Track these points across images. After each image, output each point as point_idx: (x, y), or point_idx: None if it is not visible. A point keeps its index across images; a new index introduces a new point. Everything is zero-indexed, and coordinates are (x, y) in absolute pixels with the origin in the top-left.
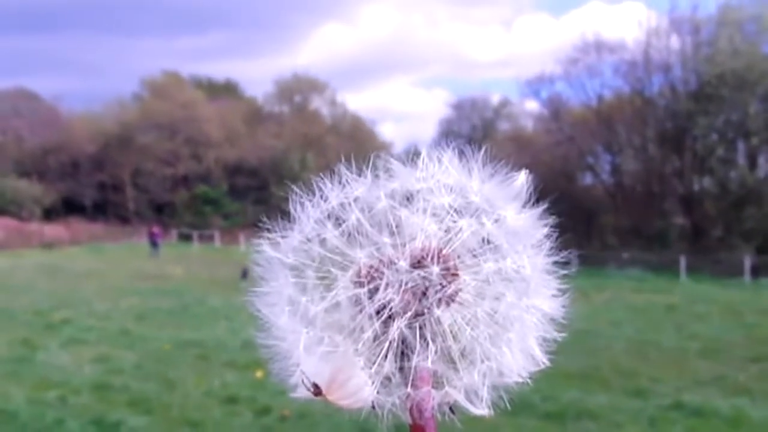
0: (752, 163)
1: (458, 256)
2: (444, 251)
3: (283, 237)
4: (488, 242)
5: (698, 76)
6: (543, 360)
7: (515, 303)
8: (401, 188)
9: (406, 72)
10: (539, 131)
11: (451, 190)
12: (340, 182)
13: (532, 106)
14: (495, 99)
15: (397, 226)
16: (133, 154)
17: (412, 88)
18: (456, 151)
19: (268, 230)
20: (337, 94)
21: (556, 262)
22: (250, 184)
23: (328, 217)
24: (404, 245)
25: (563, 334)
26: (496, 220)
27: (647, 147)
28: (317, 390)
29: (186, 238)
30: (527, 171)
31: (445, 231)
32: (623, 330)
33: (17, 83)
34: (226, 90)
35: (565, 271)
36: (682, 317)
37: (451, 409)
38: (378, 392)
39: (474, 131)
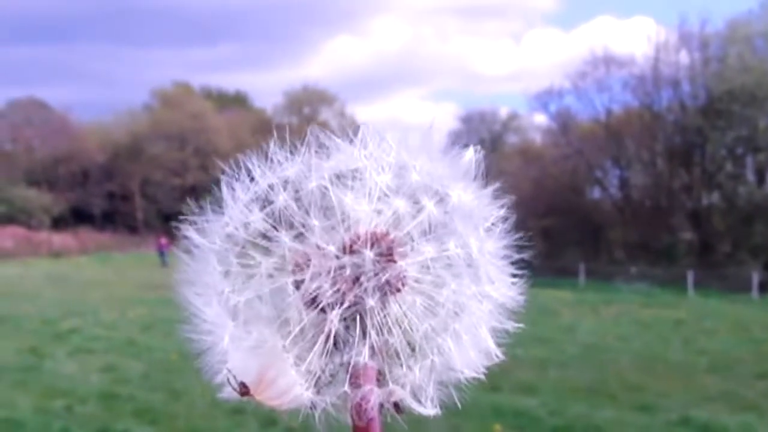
0: (761, 179)
1: (395, 240)
2: (379, 235)
3: (209, 222)
4: (431, 224)
5: (707, 91)
6: (497, 353)
7: (461, 291)
8: (337, 167)
9: (416, 85)
10: (548, 145)
11: (390, 169)
12: (271, 162)
13: (541, 119)
14: (504, 112)
15: (328, 208)
16: (143, 164)
17: (421, 101)
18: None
19: (196, 215)
20: (346, 106)
21: (511, 246)
22: None
23: (257, 200)
24: (335, 229)
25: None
26: (440, 200)
27: (656, 162)
28: (244, 389)
29: None
30: (477, 147)
31: (382, 213)
32: (631, 344)
33: (29, 93)
34: (236, 101)
35: (521, 256)
36: (689, 332)
37: (397, 407)
38: (312, 391)
39: (482, 144)
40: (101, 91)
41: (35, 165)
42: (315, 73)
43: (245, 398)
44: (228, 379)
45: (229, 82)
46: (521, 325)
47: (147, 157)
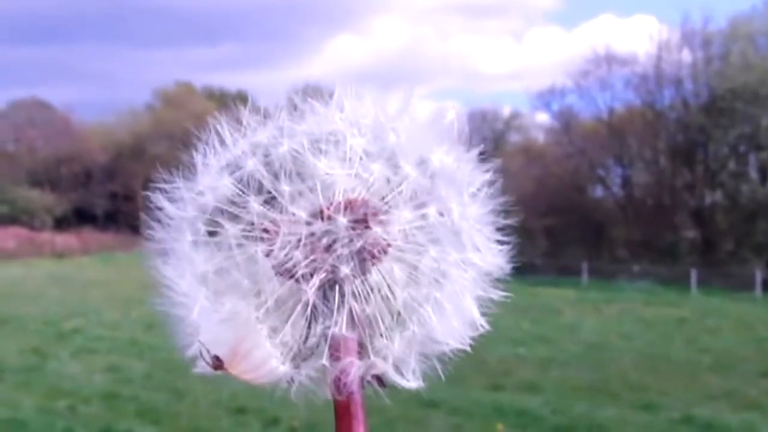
0: (763, 177)
1: (372, 206)
2: (355, 200)
3: (182, 190)
4: (410, 189)
5: (710, 89)
6: (481, 323)
7: (442, 258)
8: (310, 130)
9: (417, 84)
10: (550, 143)
11: (368, 131)
12: (244, 129)
13: (543, 118)
14: (506, 111)
15: (301, 173)
16: (145, 163)
17: (422, 100)
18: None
19: (169, 184)
20: None
21: (496, 212)
22: None
23: (228, 166)
24: (307, 194)
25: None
26: (420, 164)
27: (658, 160)
28: (218, 363)
29: None
30: (457, 108)
31: (357, 177)
32: (633, 343)
33: (30, 93)
34: (238, 100)
35: (507, 221)
36: (692, 331)
37: (380, 381)
38: (290, 365)
39: (484, 143)
40: (103, 91)
41: (38, 165)
42: (317, 71)
43: (219, 372)
44: (201, 353)
45: (230, 81)
46: (509, 294)
47: (149, 157)
